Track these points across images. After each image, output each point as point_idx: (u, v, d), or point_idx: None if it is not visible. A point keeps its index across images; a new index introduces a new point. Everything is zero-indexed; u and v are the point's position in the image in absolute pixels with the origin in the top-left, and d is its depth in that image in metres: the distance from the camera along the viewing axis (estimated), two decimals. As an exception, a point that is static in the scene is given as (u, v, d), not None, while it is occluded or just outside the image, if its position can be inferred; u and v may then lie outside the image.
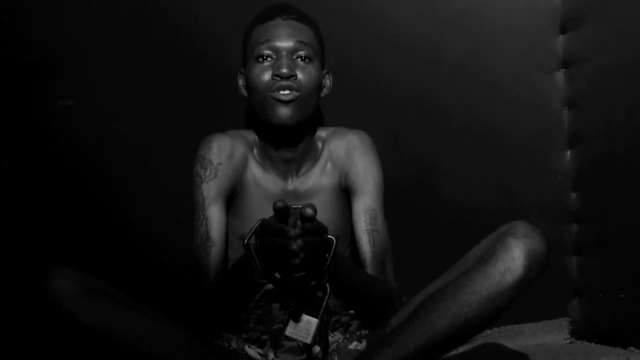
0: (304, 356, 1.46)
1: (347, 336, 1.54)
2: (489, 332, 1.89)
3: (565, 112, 1.94)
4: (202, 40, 1.93)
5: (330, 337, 1.52)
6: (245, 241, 1.27)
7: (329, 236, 1.28)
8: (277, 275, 1.27)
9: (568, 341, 1.91)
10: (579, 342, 1.90)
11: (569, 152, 1.94)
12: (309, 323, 1.28)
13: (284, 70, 1.48)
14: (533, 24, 1.94)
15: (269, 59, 1.51)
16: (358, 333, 1.53)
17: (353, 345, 1.52)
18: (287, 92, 1.49)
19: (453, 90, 1.94)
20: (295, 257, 1.21)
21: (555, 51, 1.94)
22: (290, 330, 1.29)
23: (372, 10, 1.93)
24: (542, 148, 1.95)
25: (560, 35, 1.93)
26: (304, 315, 1.29)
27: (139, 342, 1.35)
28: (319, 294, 1.30)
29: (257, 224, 1.27)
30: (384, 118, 1.93)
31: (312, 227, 1.22)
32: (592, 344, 1.87)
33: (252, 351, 1.51)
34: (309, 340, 1.28)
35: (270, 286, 1.36)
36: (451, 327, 1.35)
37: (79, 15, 1.91)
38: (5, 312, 1.85)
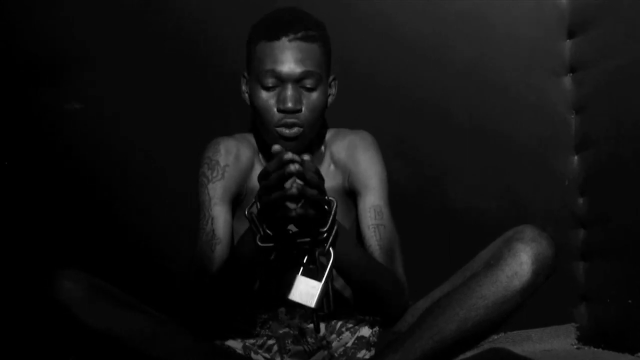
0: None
1: (356, 342, 1.53)
2: (496, 337, 1.88)
3: (573, 116, 1.94)
4: (207, 43, 1.93)
5: (337, 341, 1.51)
6: (247, 211, 1.28)
7: (330, 198, 1.29)
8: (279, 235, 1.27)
9: (575, 347, 1.91)
10: (586, 347, 1.89)
11: (576, 157, 1.94)
12: (313, 287, 1.27)
13: (289, 105, 1.46)
14: (540, 28, 1.94)
15: (274, 87, 1.48)
16: (367, 339, 1.53)
17: (362, 354, 1.51)
18: (291, 128, 1.47)
19: (459, 94, 1.94)
20: (295, 199, 1.21)
21: (562, 55, 1.93)
22: (295, 294, 1.27)
23: (378, 14, 1.93)
24: (549, 153, 1.95)
25: (568, 40, 1.93)
26: (308, 279, 1.28)
27: (144, 344, 1.35)
28: (323, 259, 1.30)
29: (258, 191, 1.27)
30: (389, 122, 1.93)
31: (311, 178, 1.22)
32: (600, 349, 1.86)
33: (258, 356, 1.50)
34: (313, 304, 1.26)
35: (274, 288, 1.36)
36: (458, 331, 1.34)
37: (85, 18, 1.91)
38: (9, 315, 1.85)
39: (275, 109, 1.48)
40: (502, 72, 1.94)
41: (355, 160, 1.59)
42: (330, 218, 1.29)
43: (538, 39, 1.94)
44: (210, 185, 1.52)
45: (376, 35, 1.94)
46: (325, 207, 1.28)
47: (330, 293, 1.29)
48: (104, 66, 1.92)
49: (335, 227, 1.31)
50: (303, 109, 1.48)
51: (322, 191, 1.26)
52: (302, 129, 1.48)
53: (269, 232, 1.27)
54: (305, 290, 1.27)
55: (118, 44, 1.92)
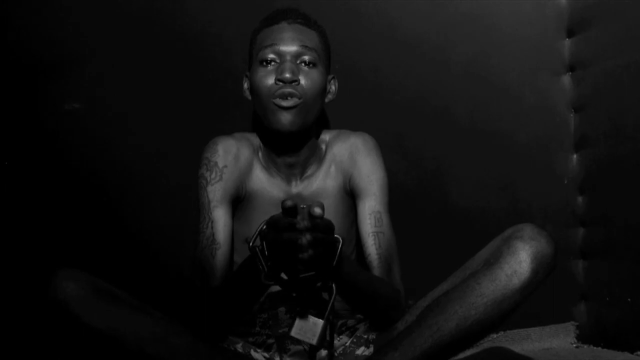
0: (309, 360, 1.47)
1: (355, 340, 1.53)
2: (495, 335, 1.88)
3: (572, 115, 1.94)
4: (208, 44, 1.93)
5: (336, 341, 1.52)
6: (251, 243, 1.27)
7: (336, 235, 1.27)
8: (284, 276, 1.26)
9: (575, 345, 1.91)
10: (585, 346, 1.89)
11: (575, 156, 1.94)
12: (315, 324, 1.28)
13: (287, 75, 1.47)
14: (540, 27, 1.94)
15: (272, 63, 1.51)
16: (365, 337, 1.53)
17: (360, 351, 1.51)
18: (288, 98, 1.48)
19: (459, 94, 1.94)
20: (305, 251, 1.20)
21: (561, 54, 1.94)
22: (296, 331, 1.28)
23: (379, 13, 1.93)
24: (549, 151, 1.95)
25: (567, 39, 1.93)
26: (309, 316, 1.28)
27: (145, 344, 1.35)
28: (325, 295, 1.30)
29: (261, 225, 1.27)
30: (390, 121, 1.93)
31: (321, 223, 1.22)
32: (599, 348, 1.87)
33: (257, 355, 1.50)
34: (314, 342, 1.27)
35: (275, 289, 1.36)
36: (457, 330, 1.34)
37: (86, 18, 1.91)
38: (10, 315, 1.85)
39: (272, 81, 1.49)
40: (502, 71, 1.94)
41: (356, 164, 1.59)
42: (336, 257, 1.27)
43: (537, 38, 1.94)
44: (209, 188, 1.52)
45: (377, 35, 1.94)
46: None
47: (329, 329, 1.29)
48: (104, 66, 1.92)
49: (340, 261, 1.29)
50: (301, 80, 1.49)
51: (331, 231, 1.25)
52: (300, 100, 1.48)
53: (273, 269, 1.25)
54: (308, 327, 1.28)
55: (119, 44, 1.92)
